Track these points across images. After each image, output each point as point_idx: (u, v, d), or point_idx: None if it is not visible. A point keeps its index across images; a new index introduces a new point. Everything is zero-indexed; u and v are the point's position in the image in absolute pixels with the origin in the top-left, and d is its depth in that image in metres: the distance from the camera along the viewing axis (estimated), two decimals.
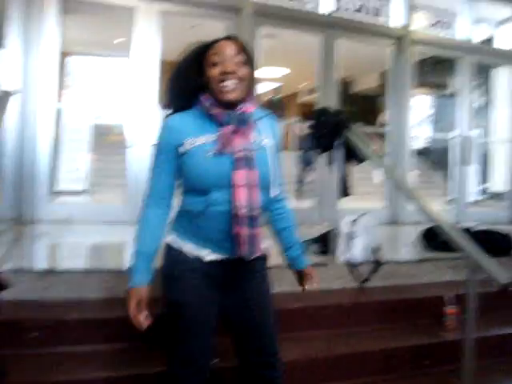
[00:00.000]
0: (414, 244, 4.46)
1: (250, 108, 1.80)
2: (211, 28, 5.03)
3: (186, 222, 1.81)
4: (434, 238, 4.10)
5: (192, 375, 1.80)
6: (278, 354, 1.93)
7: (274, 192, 1.86)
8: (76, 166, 7.51)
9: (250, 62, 1.80)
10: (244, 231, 1.71)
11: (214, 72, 1.75)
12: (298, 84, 14.50)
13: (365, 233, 3.50)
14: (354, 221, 3.54)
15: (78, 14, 7.07)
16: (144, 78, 5.24)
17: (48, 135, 4.96)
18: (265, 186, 1.81)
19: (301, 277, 2.06)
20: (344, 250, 3.45)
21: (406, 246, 4.91)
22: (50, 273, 2.89)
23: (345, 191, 3.68)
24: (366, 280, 3.42)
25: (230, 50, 1.77)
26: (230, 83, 1.73)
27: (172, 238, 1.84)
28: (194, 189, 1.76)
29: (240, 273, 1.85)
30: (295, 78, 13.14)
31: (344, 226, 3.52)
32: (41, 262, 3.48)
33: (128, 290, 1.73)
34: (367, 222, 3.54)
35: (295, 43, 7.56)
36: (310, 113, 4.39)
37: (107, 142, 9.75)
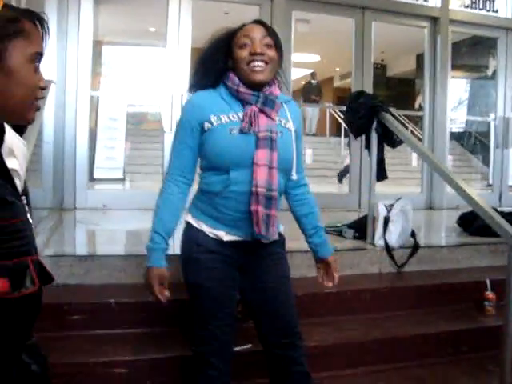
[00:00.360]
0: (452, 229, 4.39)
1: (275, 91, 1.84)
2: (244, 14, 5.02)
3: (205, 200, 1.82)
4: (472, 223, 4.03)
5: (215, 353, 1.82)
6: (299, 334, 1.92)
7: (294, 176, 1.87)
8: (113, 154, 7.62)
9: (277, 45, 1.82)
10: (261, 210, 1.73)
11: (243, 53, 1.77)
12: (332, 69, 14.37)
13: (401, 217, 3.45)
14: (391, 205, 3.49)
15: (112, 3, 7.15)
16: (178, 64, 5.26)
17: (86, 123, 5.05)
18: (285, 169, 1.83)
19: (324, 265, 2.02)
20: (381, 234, 3.42)
21: (443, 231, 4.85)
22: (89, 258, 2.95)
23: (381, 175, 3.64)
24: (404, 264, 3.39)
25: (258, 32, 1.79)
26: (258, 64, 1.75)
27: (191, 217, 1.85)
28: (214, 167, 1.77)
29: (257, 255, 1.87)
30: (329, 63, 13.03)
31: (381, 211, 3.48)
32: (81, 248, 3.56)
33: (148, 269, 1.75)
34: (404, 206, 3.49)
35: (329, 28, 7.48)
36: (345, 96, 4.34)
37: (143, 129, 9.86)
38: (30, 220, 1.12)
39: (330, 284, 2.02)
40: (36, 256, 1.08)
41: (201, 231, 1.81)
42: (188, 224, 1.86)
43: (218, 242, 1.80)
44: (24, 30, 1.04)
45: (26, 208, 1.11)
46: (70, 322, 2.53)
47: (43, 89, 1.11)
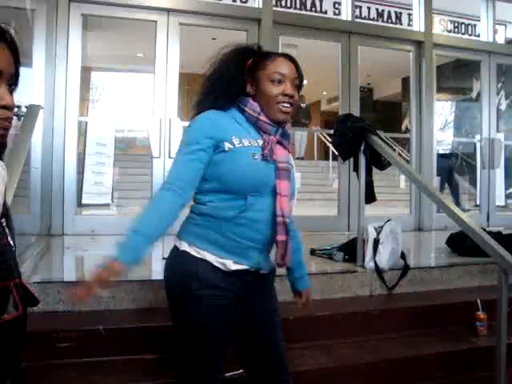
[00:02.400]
0: (441, 249, 4.40)
1: (288, 127, 1.85)
2: (232, 39, 5.07)
3: (209, 226, 1.70)
4: (461, 243, 4.05)
5: None
6: (287, 368, 1.90)
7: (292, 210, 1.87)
8: (101, 180, 7.59)
9: (302, 82, 1.85)
10: (286, 240, 1.71)
11: (275, 90, 1.75)
12: (320, 93, 14.51)
13: (391, 239, 3.46)
14: (380, 227, 3.50)
15: (100, 29, 7.20)
16: (166, 90, 5.29)
17: (74, 149, 5.03)
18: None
19: (297, 295, 2.05)
20: (371, 256, 3.41)
21: (433, 252, 4.85)
22: (77, 284, 2.91)
23: (370, 197, 3.65)
24: (394, 286, 3.38)
25: (291, 71, 1.79)
26: (287, 106, 1.76)
27: (188, 245, 1.72)
28: (229, 191, 1.68)
29: (255, 287, 1.81)
30: (316, 87, 13.14)
31: (370, 233, 3.48)
32: (68, 274, 3.52)
33: (109, 260, 1.54)
34: (393, 228, 3.50)
35: (316, 52, 7.57)
36: (332, 120, 4.38)
37: (131, 154, 9.85)
38: (12, 242, 1.08)
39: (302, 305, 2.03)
40: (19, 279, 1.06)
41: (202, 261, 1.69)
42: (184, 253, 1.71)
43: (221, 273, 1.69)
44: None
45: (7, 230, 1.07)
46: (58, 350, 2.48)
47: (7, 108, 1.03)
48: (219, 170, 1.68)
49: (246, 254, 1.72)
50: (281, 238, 1.70)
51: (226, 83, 1.77)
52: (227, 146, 1.68)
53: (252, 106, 1.77)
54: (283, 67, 1.78)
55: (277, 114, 1.76)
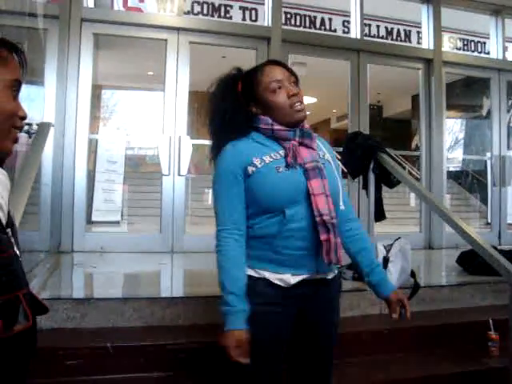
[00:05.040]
0: (452, 268, 4.35)
1: (306, 124, 1.83)
2: (241, 57, 5.12)
3: (260, 247, 1.73)
4: (472, 262, 4.01)
5: None
6: None
7: (342, 206, 1.83)
8: (111, 197, 7.63)
9: (298, 81, 1.85)
10: (332, 238, 1.68)
11: (280, 97, 1.76)
12: (329, 111, 14.54)
13: (401, 257, 3.43)
14: (390, 245, 3.48)
15: (111, 48, 7.28)
16: (176, 108, 5.33)
17: (84, 166, 5.07)
18: (335, 198, 1.78)
19: (389, 304, 1.91)
20: None
21: (443, 270, 4.81)
22: (86, 301, 2.92)
23: (380, 215, 3.63)
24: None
25: (284, 73, 1.81)
26: (299, 104, 1.77)
27: (249, 268, 1.74)
28: (266, 210, 1.70)
29: (319, 298, 1.79)
30: (326, 105, 13.19)
31: (380, 251, 3.46)
32: (77, 291, 3.51)
33: (226, 333, 1.63)
34: (403, 246, 3.47)
35: (325, 70, 7.61)
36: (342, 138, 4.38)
37: (141, 172, 9.90)
38: (18, 252, 1.09)
39: (393, 316, 1.90)
40: (27, 289, 1.05)
41: (261, 280, 1.72)
42: (248, 277, 1.72)
43: (281, 289, 1.71)
44: (1, 56, 1.04)
45: (12, 240, 1.08)
46: (66, 368, 2.46)
47: (22, 119, 1.09)
48: (252, 193, 1.72)
49: (302, 263, 1.73)
50: (323, 237, 1.67)
51: (230, 119, 1.79)
52: (250, 169, 1.71)
53: (263, 121, 1.78)
54: (275, 73, 1.80)
55: (294, 116, 1.76)
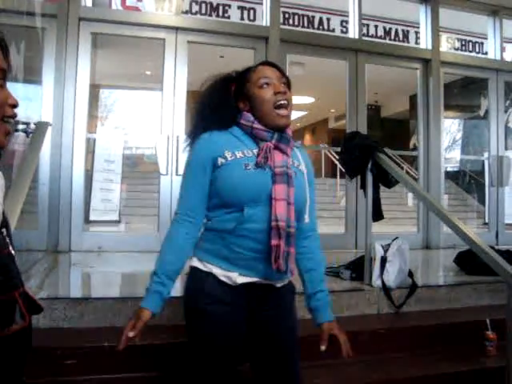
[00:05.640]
0: (450, 268, 4.36)
1: (289, 131, 1.83)
2: (239, 57, 5.11)
3: (215, 240, 1.73)
4: (470, 262, 4.01)
5: None
6: None
7: (306, 219, 1.82)
8: (109, 196, 7.62)
9: (290, 86, 1.86)
10: (282, 245, 1.66)
11: (267, 93, 1.77)
12: (327, 110, 14.55)
13: (398, 257, 3.43)
14: (388, 245, 3.48)
15: (109, 47, 7.27)
16: (173, 107, 5.33)
17: (82, 165, 5.06)
18: (299, 210, 1.77)
19: (320, 334, 1.85)
20: (378, 274, 3.39)
21: (441, 270, 4.81)
22: (83, 301, 2.91)
23: (377, 215, 3.63)
24: (402, 305, 3.35)
25: (276, 73, 1.82)
26: (284, 103, 1.77)
27: (197, 260, 1.77)
28: (227, 204, 1.70)
29: (268, 301, 1.79)
30: (324, 105, 13.20)
31: (377, 251, 3.46)
32: (75, 291, 3.51)
33: (138, 310, 1.69)
34: (400, 246, 3.47)
35: (323, 70, 7.61)
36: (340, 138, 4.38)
37: (139, 171, 9.89)
38: (13, 252, 1.08)
39: (322, 347, 1.83)
40: (22, 288, 1.05)
41: (209, 275, 1.72)
42: (193, 269, 1.77)
43: (228, 287, 1.71)
44: None
45: (7, 240, 1.07)
46: (63, 367, 2.46)
47: (14, 106, 1.07)
48: (216, 185, 1.73)
49: (252, 265, 1.71)
50: (273, 242, 1.66)
51: (215, 110, 1.81)
52: (220, 161, 1.72)
53: (245, 117, 1.80)
54: (266, 72, 1.82)
55: (276, 120, 1.76)
